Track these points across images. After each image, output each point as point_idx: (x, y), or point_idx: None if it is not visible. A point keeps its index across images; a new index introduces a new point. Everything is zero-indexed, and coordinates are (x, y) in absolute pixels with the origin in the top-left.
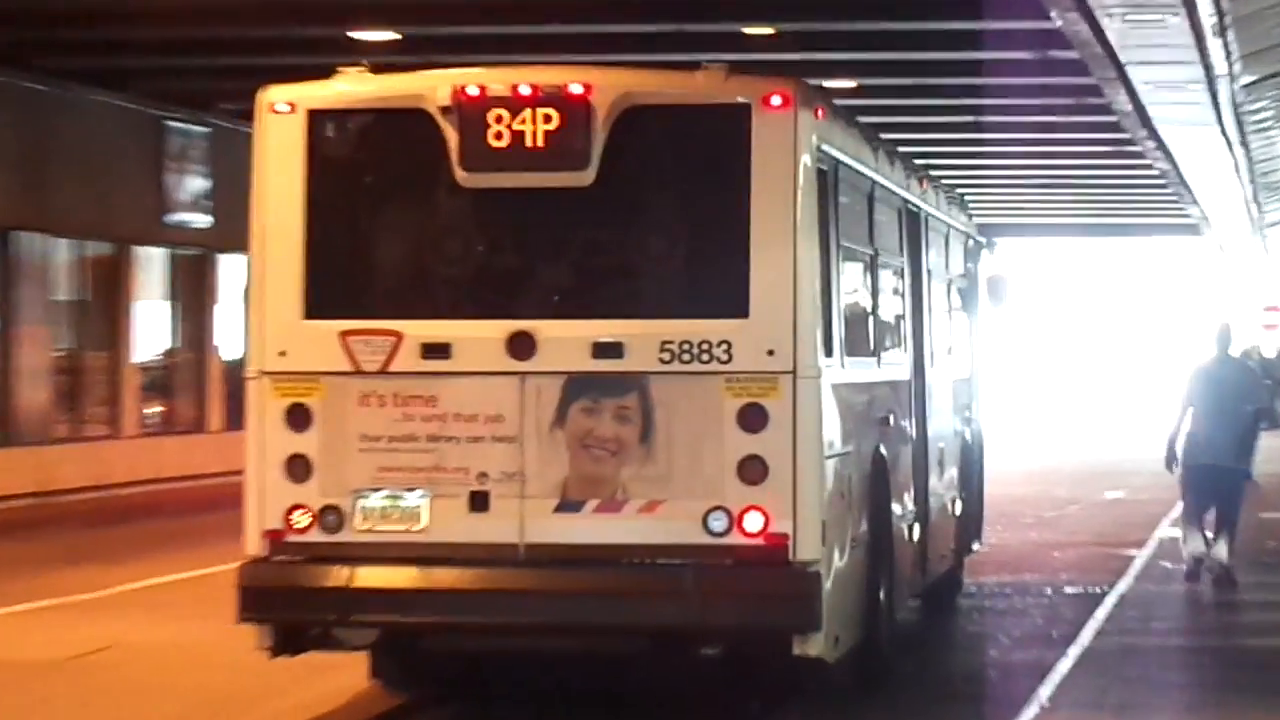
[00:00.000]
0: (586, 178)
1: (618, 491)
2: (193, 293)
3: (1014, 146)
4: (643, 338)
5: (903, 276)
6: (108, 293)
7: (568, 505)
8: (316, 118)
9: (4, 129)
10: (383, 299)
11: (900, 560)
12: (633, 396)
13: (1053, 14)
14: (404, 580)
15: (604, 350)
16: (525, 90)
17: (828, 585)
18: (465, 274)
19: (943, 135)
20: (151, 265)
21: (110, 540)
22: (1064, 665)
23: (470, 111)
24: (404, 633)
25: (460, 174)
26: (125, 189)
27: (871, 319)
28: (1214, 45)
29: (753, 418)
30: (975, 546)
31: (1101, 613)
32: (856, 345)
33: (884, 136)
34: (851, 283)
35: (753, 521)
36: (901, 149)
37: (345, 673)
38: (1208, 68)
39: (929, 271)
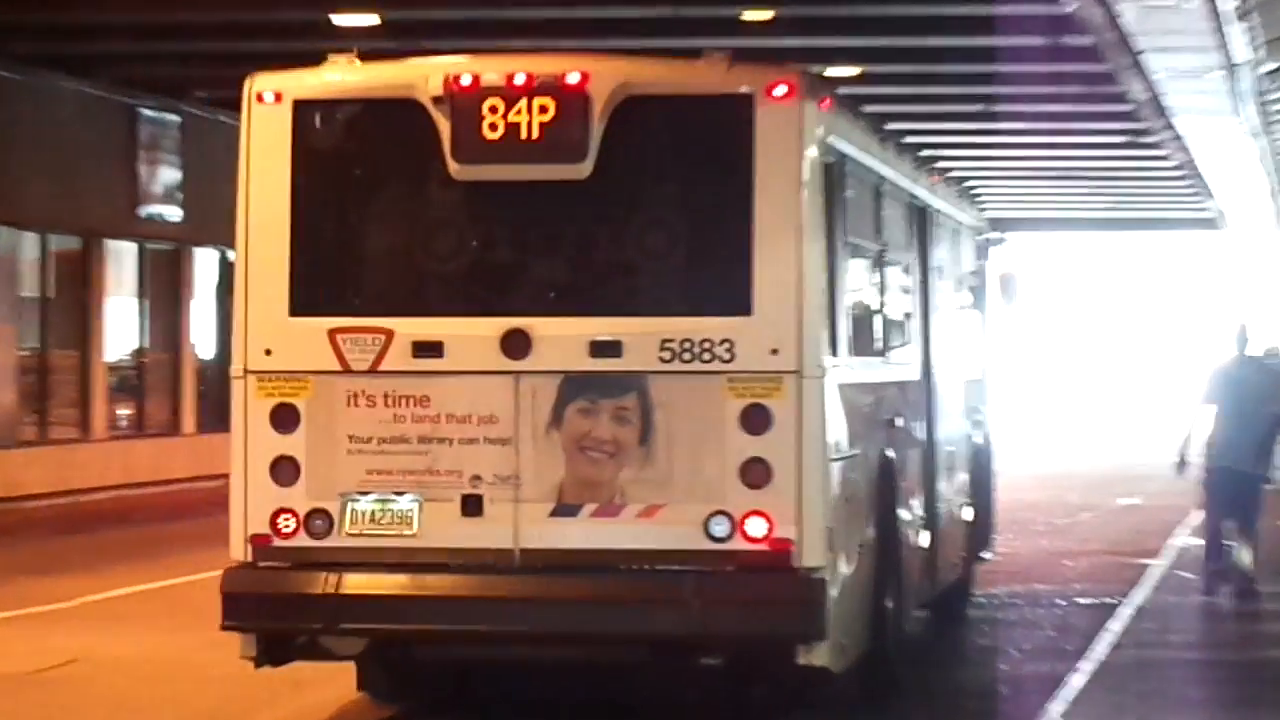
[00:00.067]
0: (584, 170)
1: (616, 495)
2: (166, 289)
3: (1024, 137)
4: (642, 336)
5: (911, 273)
6: (77, 289)
7: (564, 509)
8: (304, 108)
9: None
10: (372, 296)
11: (908, 568)
12: (631, 397)
13: None
14: (394, 587)
15: (602, 349)
16: (520, 79)
17: (833, 593)
18: (458, 270)
19: (950, 126)
20: (123, 260)
21: (78, 548)
22: (1077, 680)
23: (463, 101)
24: (394, 642)
25: (453, 166)
26: (95, 180)
27: (879, 317)
28: (1234, 31)
29: (756, 419)
30: (985, 555)
31: (1116, 624)
32: (863, 344)
33: (888, 127)
34: (858, 280)
35: (756, 526)
36: (907, 140)
37: (328, 687)
38: (1227, 54)
39: (938, 268)
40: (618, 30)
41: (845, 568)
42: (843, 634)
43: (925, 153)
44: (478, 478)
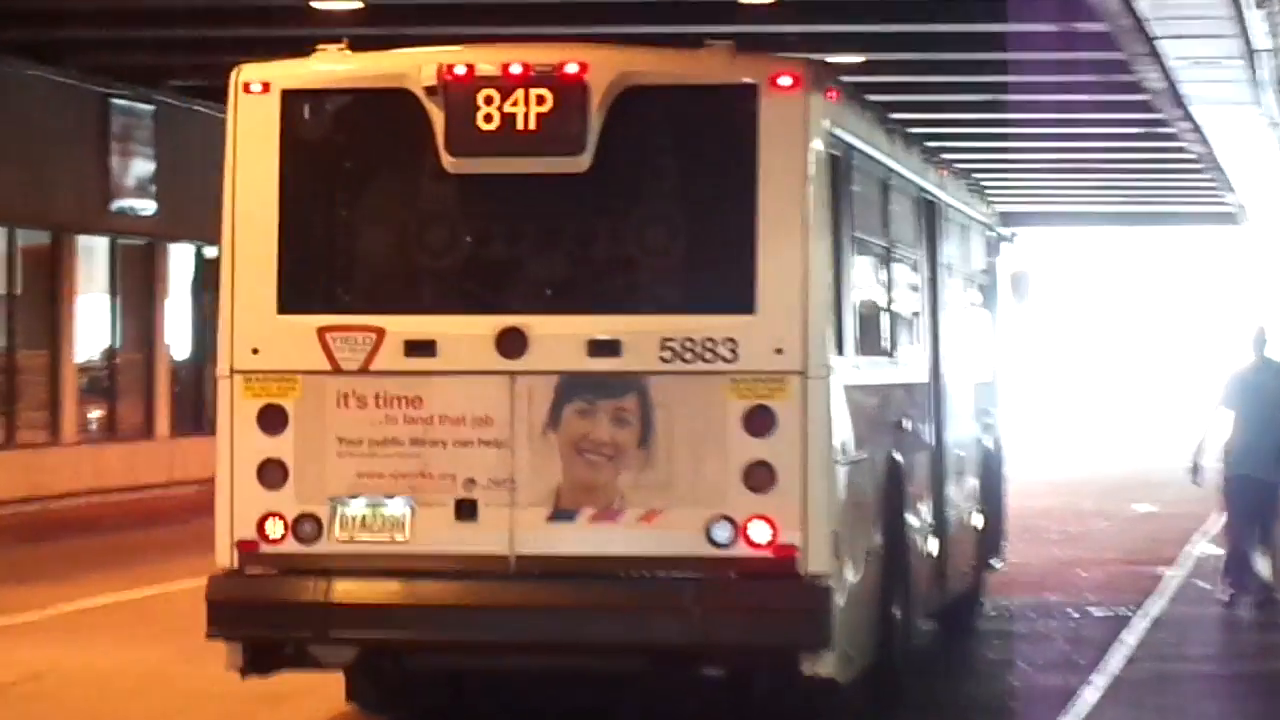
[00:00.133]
0: (582, 163)
1: (615, 499)
2: (139, 286)
3: (1036, 128)
4: (642, 335)
5: (919, 270)
6: (46, 285)
7: (561, 514)
8: (292, 98)
9: None
10: (363, 293)
11: (916, 576)
12: (631, 398)
13: None
14: (386, 594)
15: (600, 348)
16: (516, 69)
17: (839, 601)
18: (452, 266)
19: (959, 116)
20: (94, 255)
21: (47, 556)
22: (1090, 694)
23: (457, 92)
24: (385, 650)
25: (447, 159)
26: (65, 172)
27: (886, 316)
28: (1253, 16)
29: (759, 420)
30: (995, 563)
31: (1131, 637)
32: (870, 344)
33: (894, 117)
34: (865, 277)
35: (759, 532)
36: (914, 131)
37: (309, 699)
38: (1247, 41)
39: (947, 265)
40: (613, 15)
41: (851, 575)
42: (849, 644)
43: (931, 144)
44: (472, 481)
